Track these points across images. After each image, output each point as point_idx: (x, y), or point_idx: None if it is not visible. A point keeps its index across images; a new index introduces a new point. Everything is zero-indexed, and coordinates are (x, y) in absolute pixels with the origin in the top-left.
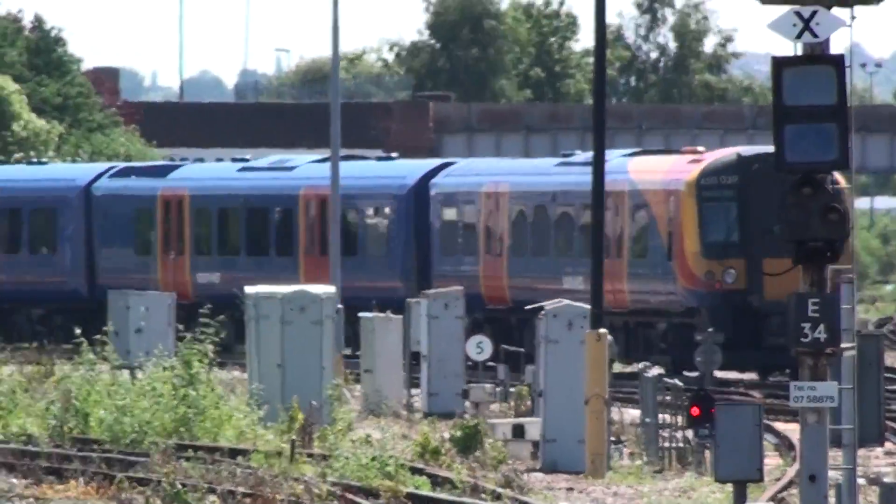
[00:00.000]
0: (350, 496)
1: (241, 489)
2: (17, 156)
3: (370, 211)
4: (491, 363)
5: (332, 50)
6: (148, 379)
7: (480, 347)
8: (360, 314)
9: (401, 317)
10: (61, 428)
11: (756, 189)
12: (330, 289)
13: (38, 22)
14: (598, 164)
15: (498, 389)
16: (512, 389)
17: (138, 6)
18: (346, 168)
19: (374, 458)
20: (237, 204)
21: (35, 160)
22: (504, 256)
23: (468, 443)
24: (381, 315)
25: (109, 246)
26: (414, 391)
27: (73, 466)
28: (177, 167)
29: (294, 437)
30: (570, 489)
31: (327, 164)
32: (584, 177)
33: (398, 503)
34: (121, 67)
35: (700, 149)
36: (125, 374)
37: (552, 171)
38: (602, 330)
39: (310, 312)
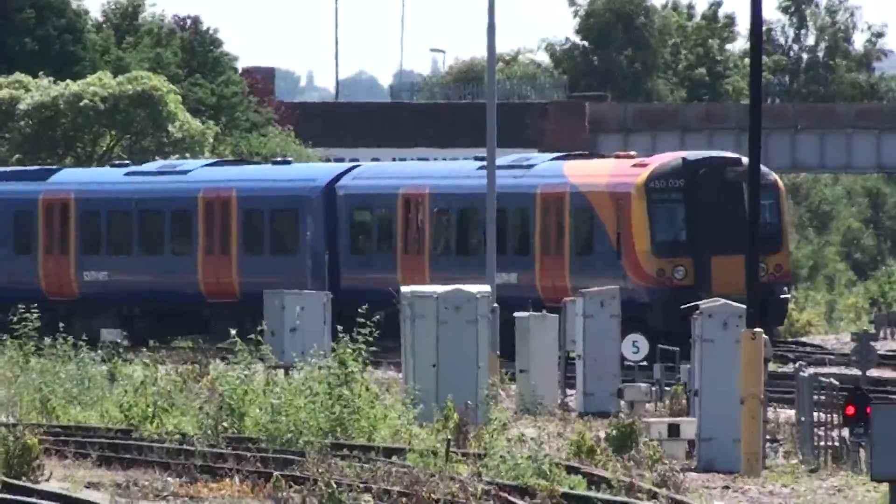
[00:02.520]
0: (505, 495)
1: (396, 488)
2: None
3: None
4: (645, 363)
5: (488, 50)
6: (303, 378)
7: (636, 347)
8: (516, 314)
9: (556, 316)
10: (216, 427)
11: (702, 191)
12: (485, 288)
13: (195, 23)
14: (753, 168)
15: (653, 389)
16: (667, 389)
17: (295, 7)
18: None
19: (529, 458)
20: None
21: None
22: (425, 254)
23: (623, 442)
24: (537, 314)
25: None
26: (569, 391)
27: (228, 465)
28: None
29: (449, 436)
30: (725, 488)
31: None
32: (503, 180)
33: (554, 502)
34: (276, 68)
35: (632, 153)
36: (280, 373)
37: (474, 175)
38: (757, 329)
39: (465, 312)
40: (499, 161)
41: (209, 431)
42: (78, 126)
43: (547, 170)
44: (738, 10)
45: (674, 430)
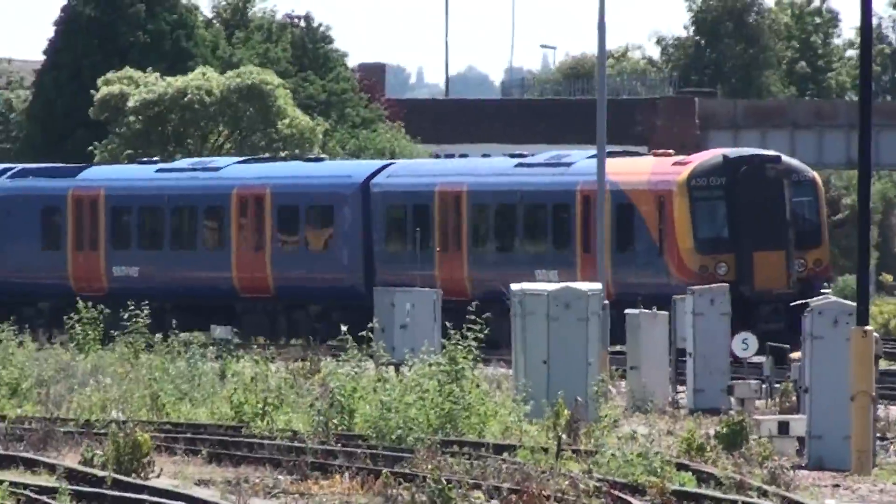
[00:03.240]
0: (616, 493)
1: (506, 485)
2: (283, 153)
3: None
4: (755, 359)
5: (599, 46)
6: (413, 375)
7: (746, 344)
8: (627, 311)
9: (667, 313)
10: (326, 424)
11: (743, 189)
12: (596, 286)
13: (306, 19)
14: (864, 167)
15: (763, 386)
16: (777, 386)
17: (405, 3)
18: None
19: (639, 455)
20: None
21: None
22: (463, 251)
23: (733, 439)
24: (648, 311)
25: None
26: (679, 388)
27: (338, 462)
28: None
29: (560, 433)
30: (836, 486)
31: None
32: (544, 178)
33: (664, 499)
34: (387, 64)
35: (671, 151)
36: (391, 370)
37: (512, 172)
38: (868, 327)
39: (575, 309)
40: (534, 159)
41: (320, 429)
42: (186, 122)
43: (586, 168)
44: (843, 6)
45: (784, 428)
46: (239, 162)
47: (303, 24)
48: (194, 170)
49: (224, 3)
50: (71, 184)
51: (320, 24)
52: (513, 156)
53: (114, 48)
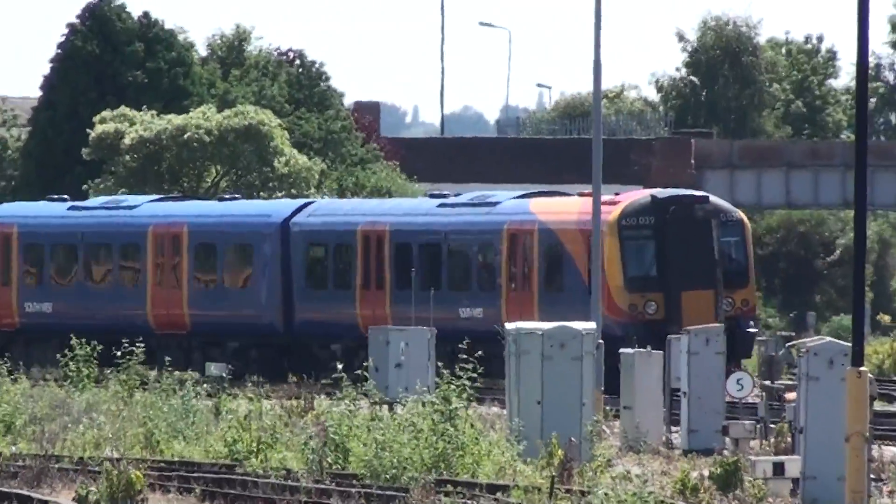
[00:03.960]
0: None
1: None
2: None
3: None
4: (750, 400)
5: (594, 86)
6: (407, 414)
7: (740, 384)
8: (621, 350)
9: (661, 352)
10: (321, 463)
11: (671, 229)
12: (590, 325)
13: (300, 57)
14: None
15: (758, 426)
16: (772, 426)
17: (400, 42)
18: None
19: (633, 495)
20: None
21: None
22: (387, 290)
23: (728, 480)
24: (642, 351)
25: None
26: (673, 428)
27: (333, 501)
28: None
29: (553, 472)
30: None
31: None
32: (468, 217)
33: None
34: (382, 102)
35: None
36: (385, 408)
37: (435, 212)
38: (863, 368)
39: (570, 348)
40: (457, 199)
41: (314, 467)
42: (182, 160)
43: (512, 207)
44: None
45: (778, 469)
46: (153, 200)
47: (297, 61)
48: (107, 208)
49: (219, 41)
50: None
51: (314, 62)
52: (433, 196)
53: (111, 86)
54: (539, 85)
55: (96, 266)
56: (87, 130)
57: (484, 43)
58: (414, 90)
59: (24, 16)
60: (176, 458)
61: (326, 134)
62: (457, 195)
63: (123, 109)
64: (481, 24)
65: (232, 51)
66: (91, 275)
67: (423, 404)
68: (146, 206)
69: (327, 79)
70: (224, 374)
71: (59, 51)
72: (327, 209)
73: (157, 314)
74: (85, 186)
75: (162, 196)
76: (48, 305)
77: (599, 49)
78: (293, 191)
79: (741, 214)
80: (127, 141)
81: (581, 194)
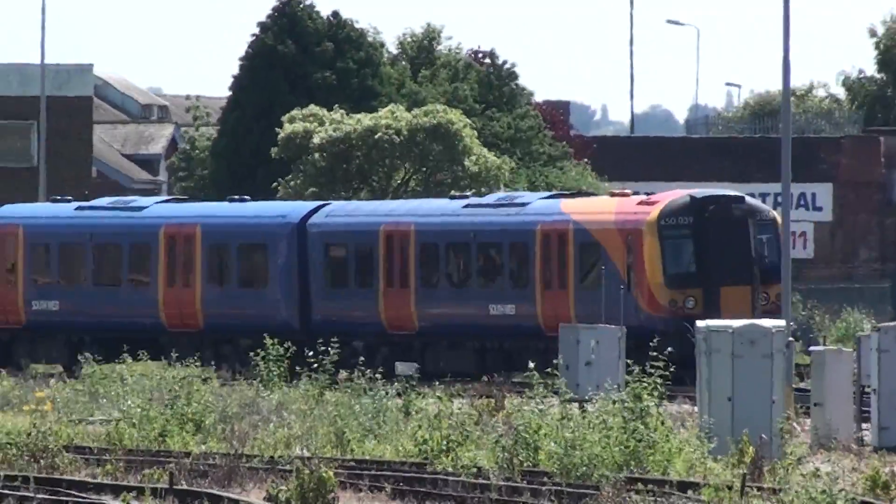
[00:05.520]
0: None
1: None
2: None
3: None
4: None
5: (783, 85)
6: (598, 412)
7: None
8: (812, 348)
9: (851, 350)
10: (511, 461)
11: (709, 227)
12: (780, 322)
13: (491, 56)
14: None
15: None
16: None
17: (589, 41)
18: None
19: (823, 492)
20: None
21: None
22: (411, 288)
23: None
24: (833, 349)
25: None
26: (864, 425)
27: (524, 499)
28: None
29: (744, 470)
30: None
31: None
32: (498, 217)
33: None
34: (571, 101)
35: (627, 191)
36: (575, 407)
37: (462, 212)
38: None
39: (760, 346)
40: (484, 200)
41: (504, 465)
42: (372, 160)
43: (544, 208)
44: None
45: None
46: (161, 202)
47: (487, 60)
48: (116, 208)
49: (409, 40)
50: None
51: (505, 62)
52: (454, 198)
53: (301, 86)
54: (728, 84)
55: (105, 265)
56: (276, 130)
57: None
58: (603, 89)
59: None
60: (366, 457)
61: (515, 133)
62: (474, 196)
63: (313, 109)
64: (669, 21)
65: (422, 50)
66: (100, 274)
67: (614, 402)
68: (155, 207)
69: (516, 77)
70: (413, 374)
71: (250, 50)
72: (345, 210)
73: (169, 313)
74: (274, 184)
75: (171, 197)
76: (55, 304)
77: (788, 47)
78: (482, 189)
79: (774, 213)
80: (316, 140)
81: (612, 194)
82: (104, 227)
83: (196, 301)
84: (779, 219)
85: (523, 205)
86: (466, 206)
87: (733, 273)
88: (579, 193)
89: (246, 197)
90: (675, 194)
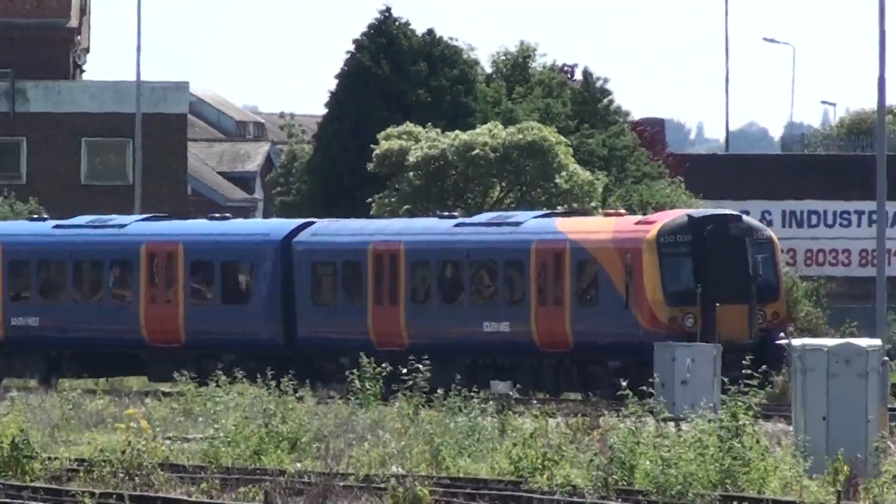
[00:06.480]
0: None
1: None
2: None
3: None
4: None
5: (878, 102)
6: (693, 431)
7: None
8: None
9: None
10: (606, 480)
11: (708, 246)
12: (875, 342)
13: (585, 74)
14: None
15: None
16: None
17: (685, 58)
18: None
19: None
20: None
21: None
22: (401, 306)
23: None
24: None
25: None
26: None
27: None
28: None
29: (839, 489)
30: None
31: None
32: (491, 236)
33: None
34: (666, 119)
35: (622, 210)
36: (671, 425)
37: (454, 231)
38: None
39: (855, 365)
40: (475, 219)
41: (599, 483)
42: (468, 177)
43: (538, 226)
44: None
45: None
46: (141, 220)
47: (580, 77)
48: (95, 226)
49: (504, 57)
50: None
51: (598, 78)
52: (442, 216)
53: (396, 103)
54: (823, 102)
55: (85, 282)
56: (372, 147)
57: (768, 59)
58: (698, 107)
59: (307, 35)
60: (462, 475)
61: (610, 150)
62: (462, 215)
63: (408, 126)
64: (765, 39)
65: (516, 68)
66: (80, 290)
67: (710, 421)
68: (136, 225)
69: (609, 94)
70: (511, 393)
71: (345, 67)
72: (331, 229)
73: (151, 328)
74: (369, 200)
75: (150, 216)
76: (34, 319)
77: (884, 65)
78: (574, 205)
79: (770, 232)
80: (411, 158)
81: (607, 214)
82: (85, 244)
83: (179, 318)
84: (775, 238)
85: (517, 224)
86: (458, 224)
87: (731, 291)
88: (574, 213)
89: (227, 215)
90: (672, 213)
